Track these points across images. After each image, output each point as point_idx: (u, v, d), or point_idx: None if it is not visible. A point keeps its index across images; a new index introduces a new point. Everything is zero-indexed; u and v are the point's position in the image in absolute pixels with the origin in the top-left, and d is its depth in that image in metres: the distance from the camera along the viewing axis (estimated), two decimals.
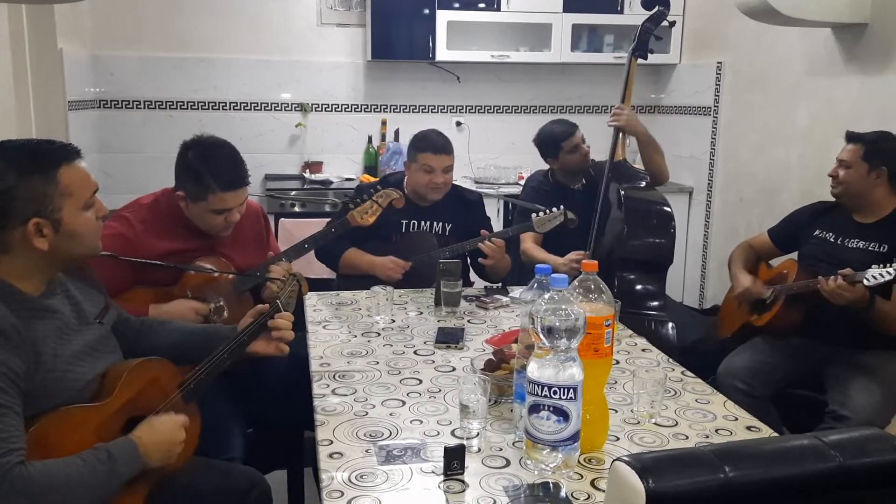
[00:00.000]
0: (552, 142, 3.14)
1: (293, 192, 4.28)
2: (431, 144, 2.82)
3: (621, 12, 4.57)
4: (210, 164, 2.12)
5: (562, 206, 2.76)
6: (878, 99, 3.31)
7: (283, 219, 4.01)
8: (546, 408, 1.36)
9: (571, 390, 1.35)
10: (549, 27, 4.55)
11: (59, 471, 1.36)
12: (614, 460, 0.94)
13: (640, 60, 3.04)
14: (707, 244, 4.63)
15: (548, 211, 2.74)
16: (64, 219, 1.48)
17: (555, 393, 1.35)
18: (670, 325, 2.72)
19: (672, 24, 3.17)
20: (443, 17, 4.40)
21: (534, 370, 1.38)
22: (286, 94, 4.62)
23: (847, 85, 3.49)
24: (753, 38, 4.08)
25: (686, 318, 3.50)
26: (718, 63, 4.43)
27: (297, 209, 4.20)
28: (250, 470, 1.79)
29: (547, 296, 1.42)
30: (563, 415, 1.36)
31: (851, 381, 2.42)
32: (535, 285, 1.64)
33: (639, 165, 3.13)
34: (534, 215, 2.76)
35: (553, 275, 1.47)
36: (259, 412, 2.16)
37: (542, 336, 1.36)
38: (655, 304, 2.80)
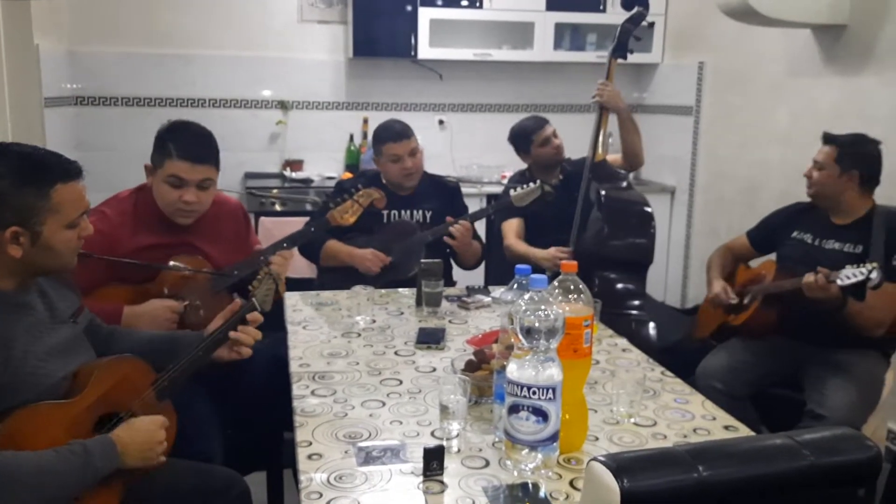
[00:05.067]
0: (523, 136, 3.16)
1: (273, 191, 4.25)
2: (391, 134, 2.89)
3: (604, 11, 4.58)
4: (175, 133, 2.15)
5: (538, 181, 2.81)
6: (857, 100, 3.35)
7: (263, 217, 3.99)
8: (525, 408, 1.36)
9: (550, 391, 1.35)
10: (531, 26, 4.55)
11: (29, 460, 1.36)
12: (590, 460, 0.94)
13: (619, 60, 3.06)
14: (689, 244, 4.66)
15: (524, 186, 2.79)
16: (44, 233, 1.50)
17: (534, 393, 1.35)
18: (651, 324, 2.73)
19: (651, 24, 3.19)
20: (425, 15, 4.38)
21: (513, 371, 1.38)
22: (266, 92, 4.59)
23: (827, 85, 3.52)
24: (734, 39, 4.11)
25: (667, 318, 3.52)
26: (700, 63, 4.46)
27: (277, 208, 4.17)
28: (229, 471, 1.78)
29: (526, 296, 1.42)
30: (543, 415, 1.36)
31: (828, 381, 2.44)
32: (515, 286, 1.64)
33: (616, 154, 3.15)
34: (511, 191, 2.82)
35: (533, 275, 1.47)
36: (238, 413, 2.15)
37: (521, 336, 1.36)
38: (636, 303, 2.82)
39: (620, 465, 0.92)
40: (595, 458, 0.94)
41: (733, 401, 2.47)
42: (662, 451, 0.99)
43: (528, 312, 1.35)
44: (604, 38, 4.67)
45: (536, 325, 1.34)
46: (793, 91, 3.74)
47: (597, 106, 3.03)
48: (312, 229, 2.47)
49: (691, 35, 4.57)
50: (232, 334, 1.73)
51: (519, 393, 1.36)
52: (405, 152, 2.86)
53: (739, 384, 2.55)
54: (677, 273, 4.74)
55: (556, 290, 1.49)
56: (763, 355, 2.63)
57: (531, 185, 2.80)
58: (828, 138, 2.62)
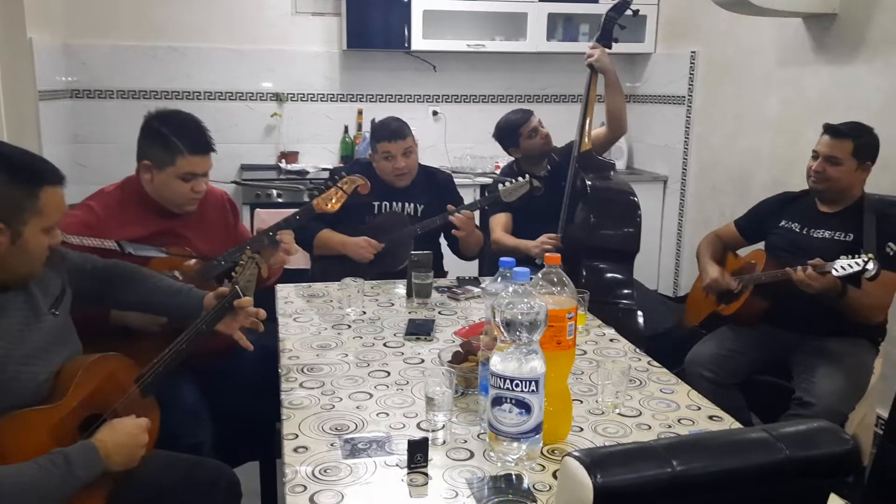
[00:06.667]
0: (510, 130, 3.16)
1: (269, 182, 4.26)
2: (387, 132, 2.89)
3: (596, 2, 4.58)
4: (177, 128, 2.14)
5: (527, 175, 2.81)
6: (847, 88, 3.35)
7: (258, 209, 4.00)
8: (508, 400, 1.37)
9: (533, 383, 1.37)
10: (524, 16, 4.55)
11: (10, 477, 1.34)
12: (564, 455, 0.96)
13: (607, 50, 3.07)
14: (681, 232, 4.67)
15: (514, 180, 2.78)
16: (24, 234, 1.48)
17: (517, 386, 1.36)
18: (639, 313, 2.74)
19: (636, 13, 3.18)
20: (418, 6, 4.38)
21: (496, 363, 1.39)
22: (261, 84, 4.59)
23: (817, 74, 3.53)
24: (726, 28, 4.11)
25: (659, 306, 3.53)
26: (692, 52, 4.46)
27: (273, 199, 4.19)
28: (217, 462, 1.79)
29: (510, 289, 1.43)
30: (526, 407, 1.37)
31: (817, 369, 2.45)
32: (500, 278, 1.65)
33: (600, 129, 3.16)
34: (500, 185, 2.82)
35: (516, 268, 1.49)
36: (230, 404, 2.16)
37: (502, 329, 1.37)
38: (624, 292, 2.82)
39: (594, 460, 0.92)
40: (569, 454, 0.94)
41: (722, 389, 2.50)
42: (637, 446, 0.99)
43: (510, 305, 1.36)
44: (596, 28, 4.65)
45: (518, 318, 1.35)
46: (784, 80, 3.74)
47: (587, 72, 3.02)
48: (297, 217, 2.47)
49: (683, 25, 4.57)
50: (237, 304, 1.77)
51: (502, 385, 1.38)
52: (398, 152, 2.87)
53: (728, 372, 2.57)
54: (670, 261, 4.76)
55: (540, 283, 1.50)
56: (752, 343, 2.64)
57: (520, 179, 2.79)
58: (835, 131, 2.52)
